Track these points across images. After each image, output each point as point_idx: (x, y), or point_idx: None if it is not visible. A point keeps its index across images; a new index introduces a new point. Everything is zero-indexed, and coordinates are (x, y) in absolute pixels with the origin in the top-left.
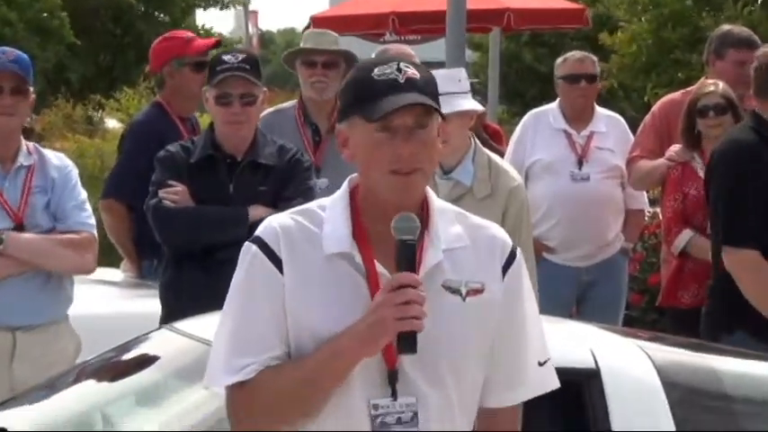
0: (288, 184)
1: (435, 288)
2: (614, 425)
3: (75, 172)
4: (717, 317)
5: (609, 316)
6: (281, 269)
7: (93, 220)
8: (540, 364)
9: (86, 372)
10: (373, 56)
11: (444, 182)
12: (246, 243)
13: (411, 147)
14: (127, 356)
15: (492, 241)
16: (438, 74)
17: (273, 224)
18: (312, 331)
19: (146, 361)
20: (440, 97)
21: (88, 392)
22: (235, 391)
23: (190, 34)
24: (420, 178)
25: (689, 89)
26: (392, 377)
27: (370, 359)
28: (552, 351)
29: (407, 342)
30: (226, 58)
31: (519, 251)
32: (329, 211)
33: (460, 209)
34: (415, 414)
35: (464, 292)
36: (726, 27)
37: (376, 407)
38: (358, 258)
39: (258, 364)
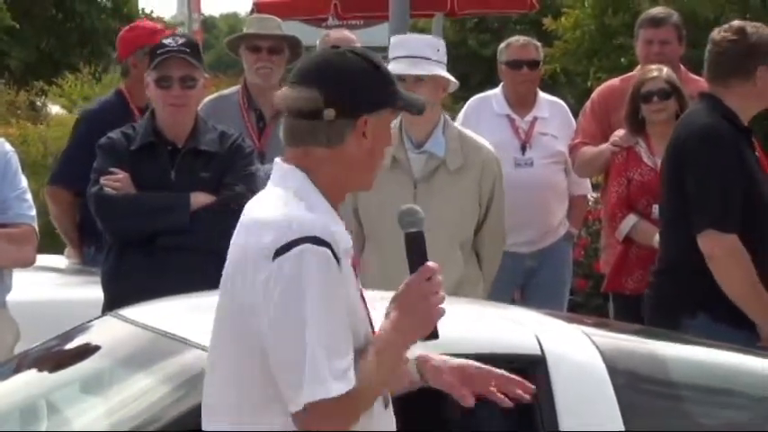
0: (229, 170)
1: None
2: (560, 411)
3: (15, 158)
4: (674, 301)
5: (553, 302)
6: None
7: (33, 212)
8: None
9: (30, 359)
10: (317, 42)
11: (417, 156)
12: (312, 246)
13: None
14: (71, 344)
15: None
16: (421, 38)
17: (318, 223)
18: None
19: (90, 348)
20: (418, 60)
21: (32, 380)
22: (342, 400)
23: (157, 26)
24: None
25: (628, 75)
26: None
27: None
28: (497, 337)
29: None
30: (166, 41)
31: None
32: (317, 209)
33: None
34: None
35: None
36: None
37: None
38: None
39: (350, 367)
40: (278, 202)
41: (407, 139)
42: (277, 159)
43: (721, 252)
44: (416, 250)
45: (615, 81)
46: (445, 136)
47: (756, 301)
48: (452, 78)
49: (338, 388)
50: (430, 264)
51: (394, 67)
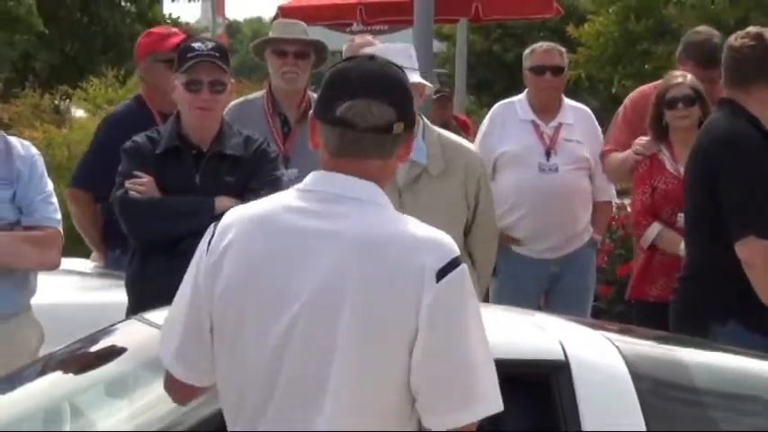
0: (254, 175)
1: None
2: (583, 417)
3: (41, 161)
4: (703, 308)
5: (577, 308)
6: None
7: (58, 215)
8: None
9: (54, 362)
10: (343, 48)
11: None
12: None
13: None
14: (95, 347)
15: None
16: (392, 47)
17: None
18: None
19: (114, 352)
20: None
21: (56, 383)
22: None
23: (170, 30)
24: None
25: (659, 82)
26: None
27: None
28: (521, 343)
29: None
30: (195, 45)
31: None
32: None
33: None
34: None
35: None
36: (690, 34)
37: None
38: None
39: None
40: (393, 217)
41: None
42: (329, 172)
43: (761, 259)
44: None
45: (647, 87)
46: (425, 141)
47: None
48: (427, 83)
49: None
50: None
51: None
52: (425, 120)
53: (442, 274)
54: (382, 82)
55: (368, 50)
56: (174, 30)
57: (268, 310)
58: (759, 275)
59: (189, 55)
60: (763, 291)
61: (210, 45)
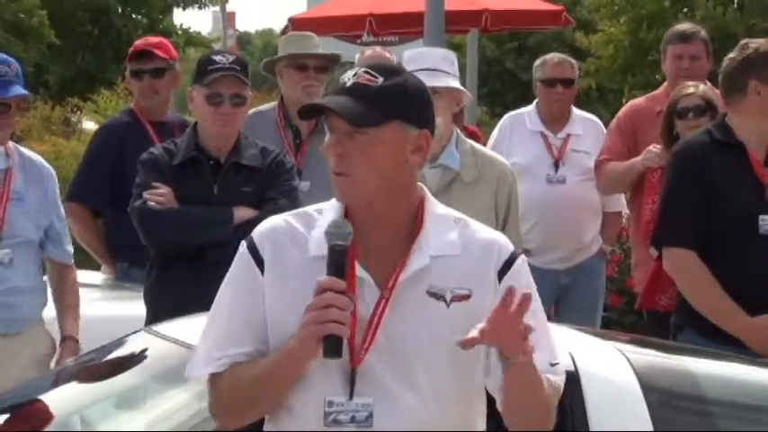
0: (271, 186)
1: (419, 293)
2: (593, 428)
3: (55, 179)
4: (672, 316)
5: (587, 318)
6: (262, 270)
7: (71, 245)
8: (552, 365)
9: (65, 375)
10: (356, 59)
11: (432, 171)
12: (243, 242)
13: (339, 149)
14: (106, 359)
15: (487, 247)
16: (436, 51)
17: (265, 225)
18: (288, 331)
19: (125, 364)
20: (433, 72)
21: (67, 396)
22: (209, 382)
23: (149, 40)
24: (348, 184)
25: (653, 94)
26: (351, 376)
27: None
28: None
29: (330, 346)
30: (216, 58)
31: (521, 257)
32: (324, 214)
33: (467, 217)
34: (371, 414)
35: (449, 298)
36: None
37: (330, 404)
38: None
39: (229, 359)
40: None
41: None
42: None
43: (672, 267)
44: (332, 264)
45: (640, 100)
46: (458, 150)
47: (716, 314)
48: (467, 92)
49: (202, 370)
50: (328, 279)
51: None
52: (458, 130)
53: (502, 272)
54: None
55: (410, 54)
56: (153, 40)
57: None
58: (681, 284)
59: (210, 68)
60: (689, 298)
61: (231, 58)
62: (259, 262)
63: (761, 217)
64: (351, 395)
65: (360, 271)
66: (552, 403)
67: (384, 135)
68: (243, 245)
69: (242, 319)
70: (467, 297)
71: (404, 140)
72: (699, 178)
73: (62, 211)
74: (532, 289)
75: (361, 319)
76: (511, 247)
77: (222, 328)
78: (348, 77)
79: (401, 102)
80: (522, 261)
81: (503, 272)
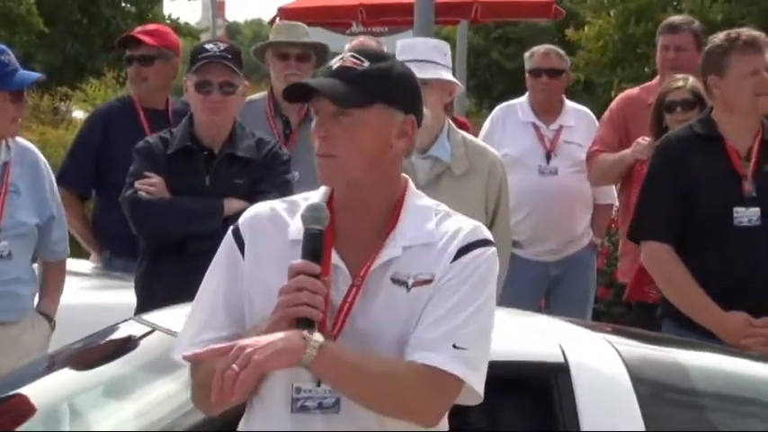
0: (265, 178)
1: (385, 281)
2: (582, 419)
3: (49, 169)
4: (659, 308)
5: (577, 310)
6: (243, 253)
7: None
8: (456, 347)
9: (52, 363)
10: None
11: (422, 162)
12: (230, 228)
13: (323, 131)
14: (94, 348)
15: (456, 233)
16: (428, 42)
17: (250, 211)
18: (264, 315)
19: (113, 352)
20: (423, 63)
21: (56, 384)
22: (190, 366)
23: (144, 28)
24: (334, 165)
25: (647, 84)
26: None
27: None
28: (521, 345)
29: (302, 329)
30: (208, 46)
31: (491, 250)
32: (308, 202)
33: (450, 210)
34: (337, 401)
35: (410, 283)
36: None
37: (298, 390)
38: None
39: (210, 342)
40: None
41: None
42: None
43: (646, 260)
44: (307, 247)
45: (634, 90)
46: (450, 141)
47: (690, 307)
48: (458, 83)
49: (181, 352)
50: (301, 262)
51: None
52: (450, 121)
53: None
54: None
55: (402, 44)
56: (142, 28)
57: None
58: (656, 277)
59: (200, 56)
60: (664, 290)
61: (223, 47)
62: (241, 246)
63: (736, 209)
64: (318, 381)
65: (335, 258)
66: (403, 386)
67: (368, 117)
68: (229, 230)
69: (223, 302)
70: (428, 281)
71: (388, 124)
72: (676, 173)
73: (61, 209)
74: (485, 283)
75: (333, 305)
76: (482, 237)
77: (205, 311)
78: (335, 62)
79: (386, 85)
80: (483, 251)
81: (461, 253)
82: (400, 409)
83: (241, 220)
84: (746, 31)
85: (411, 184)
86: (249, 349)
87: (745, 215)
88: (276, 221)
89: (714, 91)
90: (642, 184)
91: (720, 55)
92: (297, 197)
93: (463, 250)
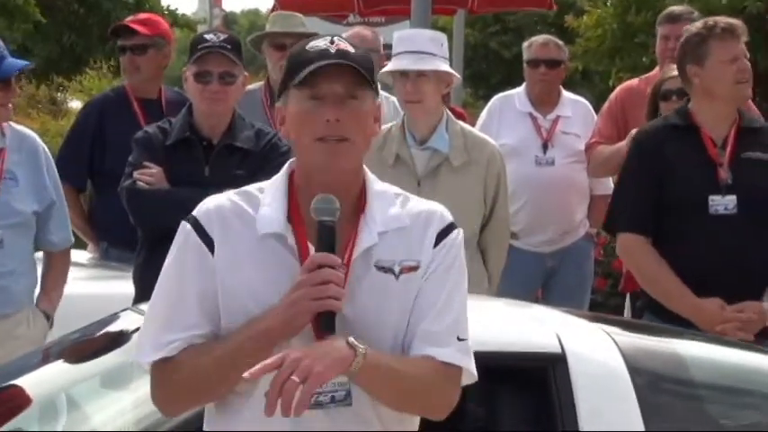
0: (263, 169)
1: (369, 269)
2: (580, 409)
3: (49, 154)
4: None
5: (574, 301)
6: (212, 249)
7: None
8: (459, 339)
9: (50, 354)
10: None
11: (421, 152)
12: (182, 222)
13: (339, 114)
14: (91, 338)
15: (429, 218)
16: (424, 33)
17: (209, 204)
18: (244, 311)
19: (110, 343)
20: (421, 55)
21: (53, 374)
22: (158, 368)
23: (137, 17)
24: (348, 148)
25: (647, 75)
26: None
27: (302, 337)
28: (518, 335)
29: (327, 322)
30: (207, 36)
31: (458, 230)
32: (266, 193)
33: (405, 192)
34: (349, 392)
35: (397, 270)
36: None
37: None
38: (291, 240)
39: (182, 342)
40: None
41: (410, 136)
42: None
43: (621, 252)
44: (323, 239)
45: (634, 81)
46: (448, 132)
47: (666, 297)
48: (456, 73)
49: (152, 356)
50: (323, 255)
51: (397, 63)
52: (449, 112)
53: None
54: None
55: (399, 35)
56: (134, 17)
57: None
58: (632, 269)
59: (199, 46)
60: (640, 282)
61: (223, 37)
62: (208, 242)
63: (711, 197)
64: None
65: (312, 248)
66: (424, 387)
67: (368, 101)
68: (185, 225)
69: (195, 300)
70: (415, 268)
71: (374, 107)
72: (650, 164)
73: (62, 197)
74: (462, 267)
75: None
76: (448, 219)
77: (172, 310)
78: (324, 45)
79: (372, 68)
80: (457, 233)
81: (440, 238)
82: (426, 407)
83: (200, 214)
84: (723, 19)
85: (366, 168)
86: (307, 360)
87: (721, 203)
88: (241, 216)
89: (693, 80)
90: (618, 176)
91: (698, 43)
92: (251, 188)
93: (441, 235)
